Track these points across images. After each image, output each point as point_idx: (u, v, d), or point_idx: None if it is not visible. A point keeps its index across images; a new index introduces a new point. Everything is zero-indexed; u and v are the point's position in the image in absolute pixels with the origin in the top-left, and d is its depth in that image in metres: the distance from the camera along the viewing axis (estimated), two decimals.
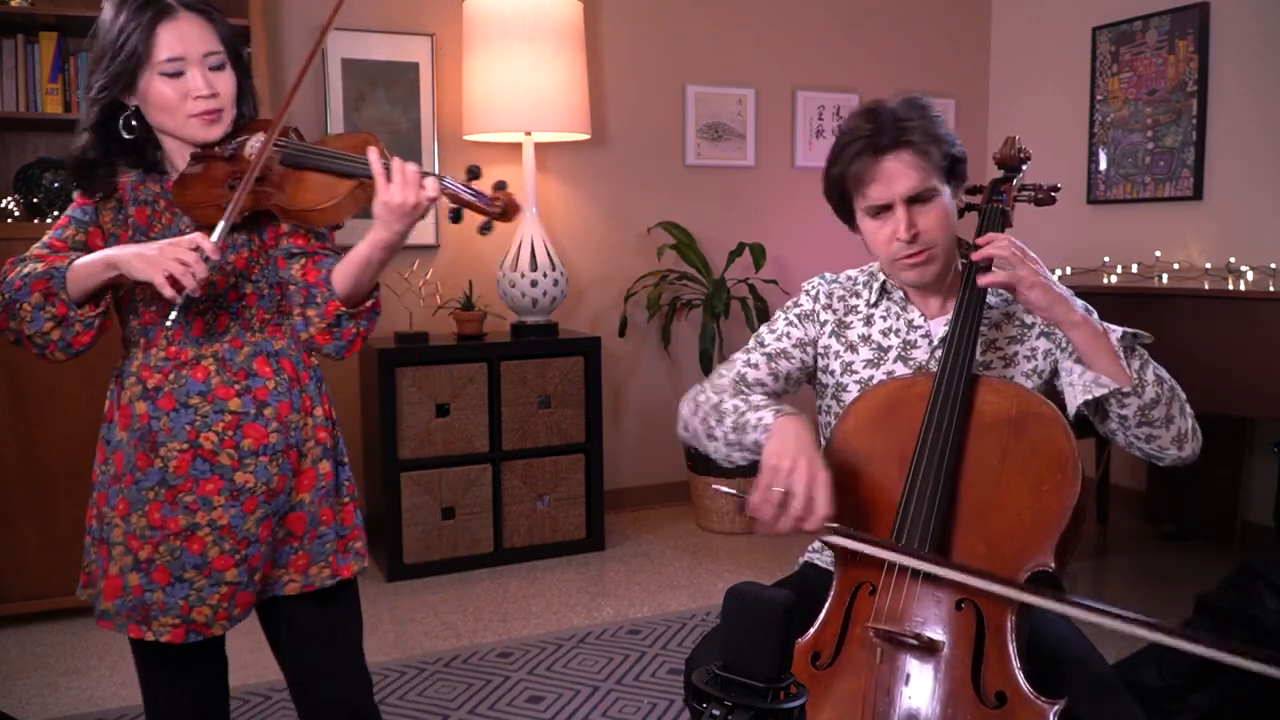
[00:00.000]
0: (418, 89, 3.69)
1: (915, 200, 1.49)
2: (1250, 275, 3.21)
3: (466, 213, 1.44)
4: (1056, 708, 1.19)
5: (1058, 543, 1.30)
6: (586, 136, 3.67)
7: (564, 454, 3.58)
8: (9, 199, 3.07)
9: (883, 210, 1.52)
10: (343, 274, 1.45)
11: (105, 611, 1.47)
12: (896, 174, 1.48)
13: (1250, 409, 2.77)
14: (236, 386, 1.47)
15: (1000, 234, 1.49)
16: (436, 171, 1.48)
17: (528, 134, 3.53)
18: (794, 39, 4.33)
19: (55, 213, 3.08)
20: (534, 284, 3.51)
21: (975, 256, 1.46)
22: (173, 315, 1.36)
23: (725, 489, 1.46)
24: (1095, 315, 1.48)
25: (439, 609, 3.12)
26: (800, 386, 1.70)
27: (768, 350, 1.64)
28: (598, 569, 3.48)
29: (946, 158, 1.52)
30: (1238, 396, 2.61)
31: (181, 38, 1.42)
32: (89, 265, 1.37)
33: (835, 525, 1.34)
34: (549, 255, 3.54)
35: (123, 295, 1.52)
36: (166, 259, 1.31)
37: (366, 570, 1.62)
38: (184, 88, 1.42)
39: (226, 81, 1.47)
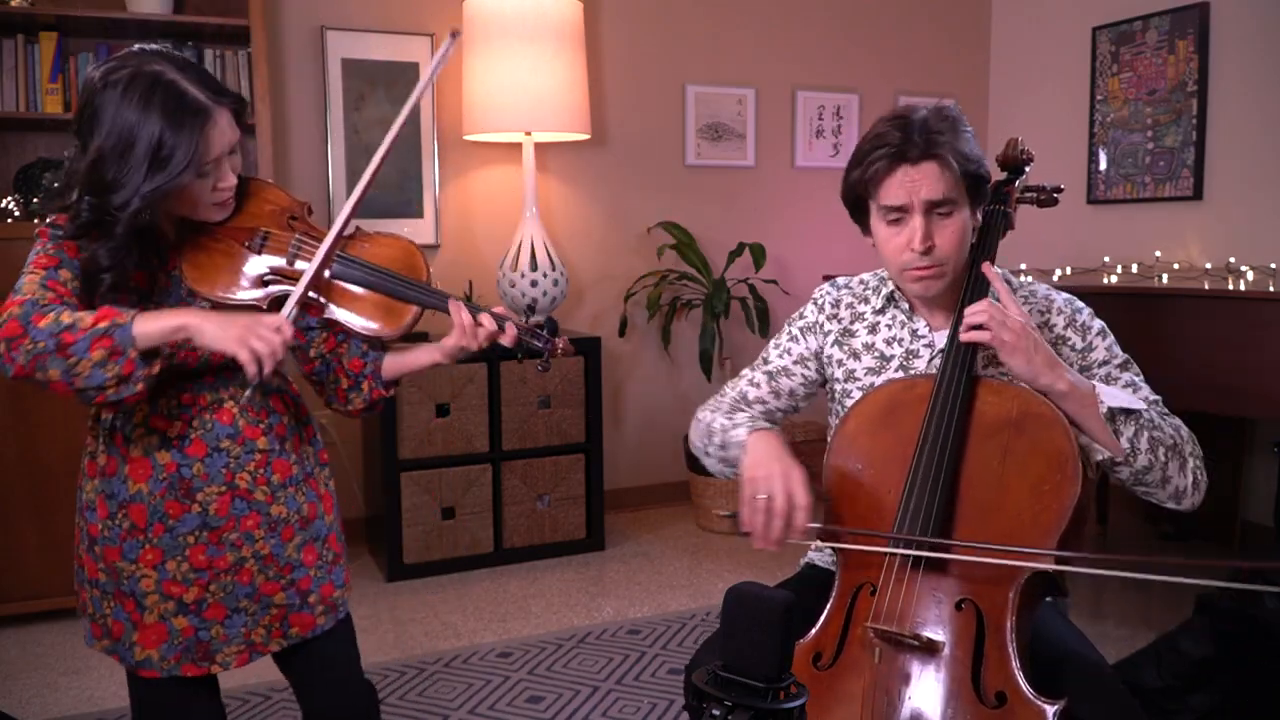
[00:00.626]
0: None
1: (934, 211, 1.47)
2: (1250, 275, 3.21)
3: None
4: (1056, 708, 1.20)
5: (1058, 543, 1.30)
6: (586, 136, 3.66)
7: (564, 454, 3.58)
8: (9, 199, 3.07)
9: (899, 217, 1.49)
10: (393, 372, 1.62)
11: (147, 660, 1.46)
12: (920, 180, 1.46)
13: (1250, 409, 2.77)
14: (261, 425, 1.51)
15: (983, 301, 1.43)
16: (500, 312, 1.55)
17: (528, 134, 3.53)
18: (794, 39, 4.33)
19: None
20: (534, 284, 3.51)
21: (963, 339, 1.42)
22: (248, 393, 1.35)
23: (722, 513, 1.60)
24: (1098, 384, 1.43)
25: (439, 609, 3.12)
26: (810, 399, 1.73)
27: (769, 369, 1.70)
28: (598, 569, 3.48)
29: (971, 177, 1.50)
30: (1238, 396, 2.61)
31: (220, 134, 1.36)
32: (156, 326, 1.28)
33: (830, 527, 1.35)
34: (549, 255, 3.54)
35: None
36: (252, 337, 1.29)
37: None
38: (213, 182, 1.39)
39: (239, 161, 1.44)
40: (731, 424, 1.59)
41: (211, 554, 1.46)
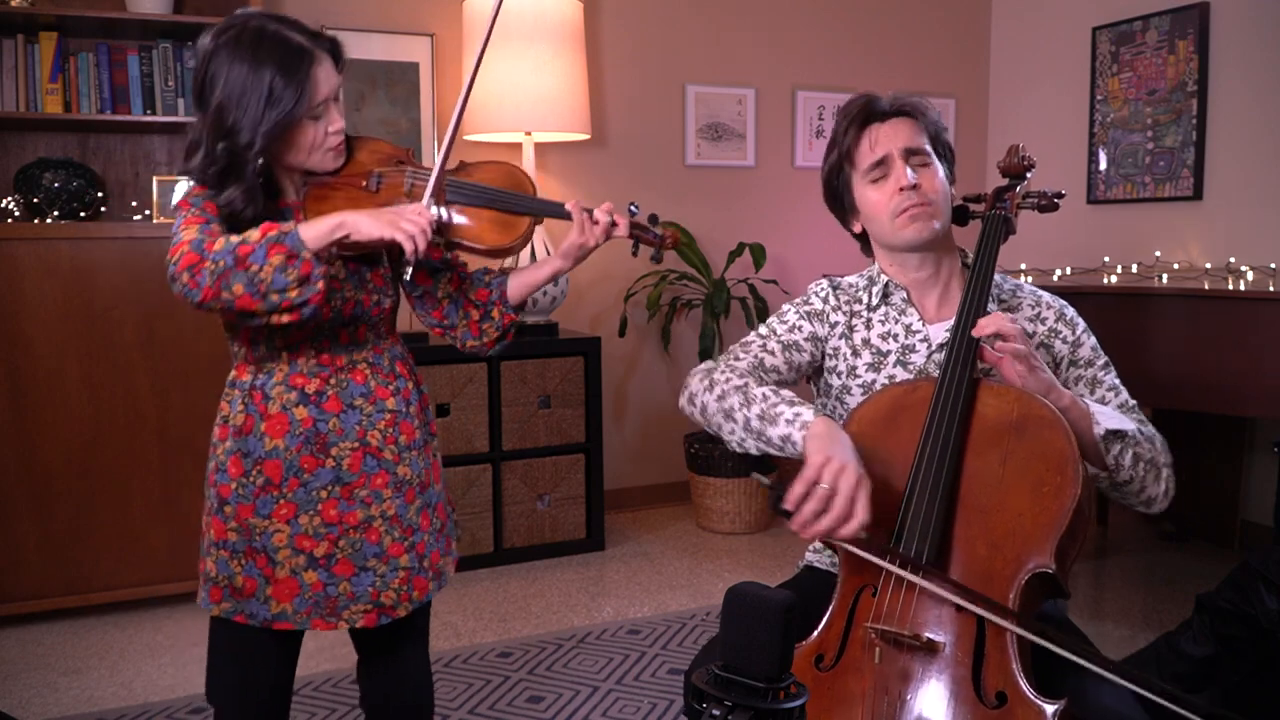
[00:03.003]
0: (418, 89, 3.70)
1: (913, 160, 1.56)
2: (1250, 275, 3.21)
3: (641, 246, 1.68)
4: (1056, 708, 1.20)
5: (1058, 544, 1.30)
6: (586, 136, 3.67)
7: (564, 454, 3.58)
8: (9, 199, 3.07)
9: (881, 174, 1.58)
10: (519, 293, 1.68)
11: (282, 613, 1.52)
12: (893, 133, 1.57)
13: (1250, 409, 2.77)
14: (390, 387, 1.59)
15: (1013, 326, 1.41)
16: (608, 209, 1.61)
17: (528, 134, 3.53)
18: (794, 39, 4.33)
19: (55, 213, 3.08)
20: None
21: (977, 333, 1.42)
22: (408, 271, 1.47)
23: (763, 479, 1.35)
24: (1093, 405, 1.45)
25: (439, 609, 3.12)
26: (798, 383, 1.71)
27: (783, 340, 1.63)
28: (598, 569, 3.48)
29: (939, 138, 1.61)
30: (1238, 396, 2.61)
31: (328, 78, 1.48)
32: (318, 227, 1.37)
33: (861, 538, 1.34)
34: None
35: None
36: (402, 220, 1.40)
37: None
38: (324, 126, 1.49)
39: (342, 112, 1.54)
40: (780, 398, 1.43)
41: (342, 509, 1.52)
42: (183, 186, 1.48)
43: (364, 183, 1.56)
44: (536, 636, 2.89)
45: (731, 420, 1.47)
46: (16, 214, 3.06)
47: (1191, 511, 3.69)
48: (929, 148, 1.58)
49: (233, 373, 1.58)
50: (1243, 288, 2.84)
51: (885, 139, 1.57)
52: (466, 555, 3.43)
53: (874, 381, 1.61)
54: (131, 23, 3.12)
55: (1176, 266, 3.59)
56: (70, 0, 3.06)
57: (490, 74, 3.40)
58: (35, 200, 3.07)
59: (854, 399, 1.62)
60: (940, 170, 1.59)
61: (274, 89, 1.41)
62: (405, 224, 1.40)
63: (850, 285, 1.70)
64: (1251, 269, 3.27)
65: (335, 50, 1.50)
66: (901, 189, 1.55)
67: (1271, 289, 2.72)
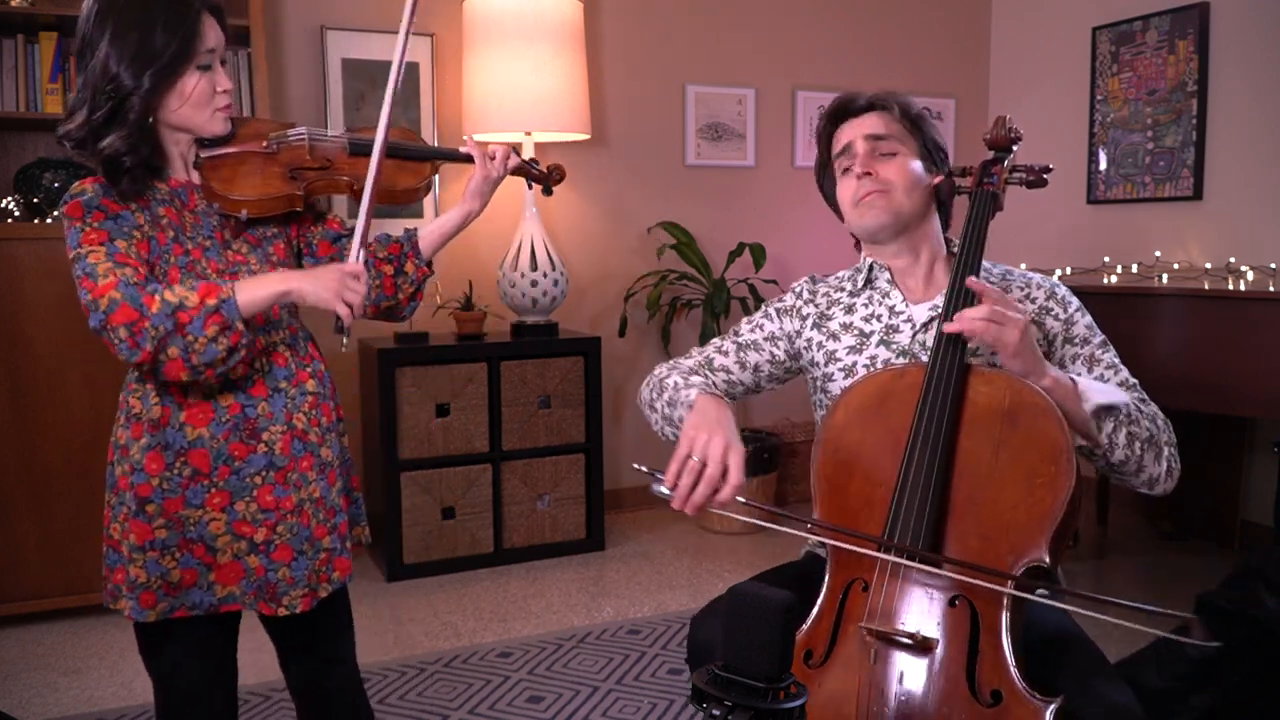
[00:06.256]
0: (418, 89, 3.69)
1: (877, 150, 1.60)
2: (1250, 275, 3.21)
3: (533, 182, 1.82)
4: (1053, 706, 1.18)
5: (1052, 536, 1.28)
6: (586, 136, 3.66)
7: (564, 454, 3.58)
8: (9, 199, 3.07)
9: (847, 164, 1.63)
10: (430, 244, 1.67)
11: (229, 595, 1.51)
12: (860, 123, 1.63)
13: (1250, 409, 2.77)
14: (308, 369, 1.57)
15: (984, 307, 1.39)
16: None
17: (528, 134, 3.53)
18: (794, 39, 4.33)
19: (55, 213, 3.08)
20: (534, 284, 3.51)
21: (951, 329, 1.39)
22: (345, 339, 1.47)
23: (641, 467, 1.45)
24: (1080, 379, 1.44)
25: (439, 609, 3.12)
26: (775, 381, 1.73)
27: (740, 340, 1.71)
28: (598, 569, 3.48)
29: (920, 133, 1.63)
30: (1238, 396, 2.61)
31: (213, 31, 1.46)
32: (258, 293, 1.39)
33: (824, 523, 1.34)
34: (549, 255, 3.54)
35: None
36: (345, 290, 1.42)
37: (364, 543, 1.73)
38: (213, 82, 1.47)
39: (229, 77, 1.53)
40: (685, 384, 1.58)
41: (278, 494, 1.51)
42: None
43: (264, 144, 1.55)
44: (536, 636, 2.89)
45: (654, 411, 1.63)
46: (16, 214, 3.06)
47: (1191, 511, 3.68)
48: (897, 135, 1.61)
49: (133, 370, 1.50)
50: (1243, 288, 2.84)
51: (851, 131, 1.63)
52: (466, 555, 3.44)
53: (855, 364, 1.61)
54: None
55: (1176, 266, 3.59)
56: (70, 0, 3.06)
57: (490, 74, 3.40)
58: (35, 200, 3.07)
59: (836, 385, 1.62)
60: (909, 159, 1.61)
61: (158, 37, 1.39)
62: (349, 295, 1.43)
63: (836, 278, 1.73)
64: (1251, 269, 3.27)
65: (218, 11, 1.48)
66: (857, 176, 1.60)
67: (1271, 289, 2.72)
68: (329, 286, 1.42)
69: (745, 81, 4.25)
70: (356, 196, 1.55)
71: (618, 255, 4.09)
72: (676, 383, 1.59)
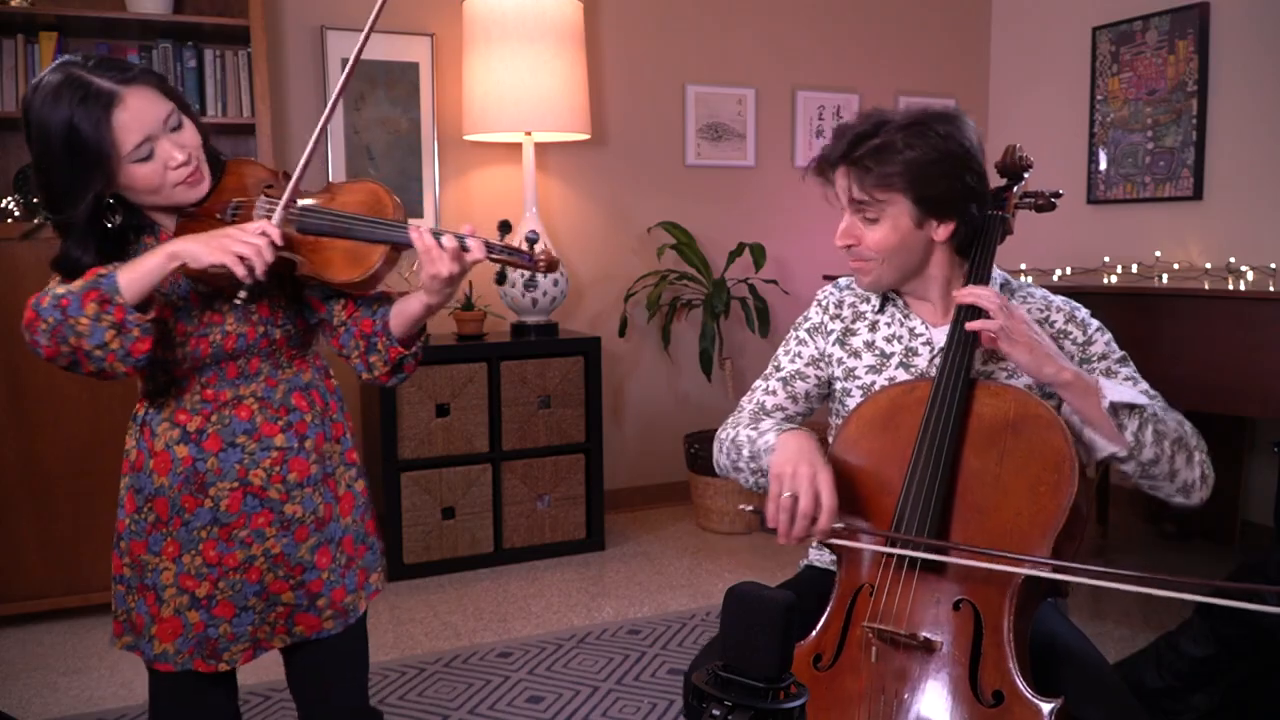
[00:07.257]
0: (418, 89, 3.69)
1: (861, 213, 1.53)
2: (1250, 275, 3.21)
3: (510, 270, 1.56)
4: (1053, 706, 1.20)
5: (1054, 543, 1.30)
6: (586, 136, 3.67)
7: (564, 454, 3.58)
8: (9, 199, 3.07)
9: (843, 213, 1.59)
10: (400, 325, 1.51)
11: (163, 654, 1.48)
12: (842, 183, 1.55)
13: (1250, 409, 2.77)
14: (280, 423, 1.51)
15: (985, 287, 1.46)
16: (469, 232, 1.48)
17: (528, 134, 3.53)
18: (794, 39, 4.33)
19: None
20: (534, 284, 3.51)
21: (960, 298, 1.46)
22: (242, 294, 1.36)
23: (747, 508, 1.48)
24: (1100, 379, 1.44)
25: (439, 609, 3.12)
26: (822, 401, 1.72)
27: (783, 375, 1.68)
28: (598, 569, 3.48)
29: (914, 185, 1.48)
30: (1238, 396, 2.61)
31: (137, 118, 1.35)
32: (146, 264, 1.30)
33: (853, 527, 1.36)
34: None
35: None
36: (234, 242, 1.32)
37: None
38: (160, 163, 1.38)
39: (191, 135, 1.42)
40: (758, 433, 1.54)
41: (221, 550, 1.48)
42: None
43: (219, 213, 1.45)
44: (536, 636, 2.89)
45: (740, 471, 1.59)
46: (16, 214, 3.06)
47: (1192, 511, 3.68)
48: (879, 196, 1.49)
49: (135, 405, 1.53)
50: (1243, 288, 2.84)
51: (839, 188, 1.56)
52: (466, 555, 3.44)
53: (874, 383, 1.61)
54: (131, 23, 3.12)
55: (1176, 266, 3.59)
56: (70, 0, 3.06)
57: (490, 74, 3.40)
58: (35, 200, 3.07)
59: (853, 400, 1.63)
60: (892, 219, 1.50)
61: (76, 139, 1.32)
62: (239, 246, 1.32)
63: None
64: (1251, 269, 3.27)
65: (156, 80, 1.39)
66: (839, 245, 1.57)
67: (1271, 289, 2.72)
68: (220, 244, 1.32)
69: (745, 81, 4.25)
70: (303, 280, 1.48)
71: (618, 255, 4.09)
72: (750, 436, 1.55)
